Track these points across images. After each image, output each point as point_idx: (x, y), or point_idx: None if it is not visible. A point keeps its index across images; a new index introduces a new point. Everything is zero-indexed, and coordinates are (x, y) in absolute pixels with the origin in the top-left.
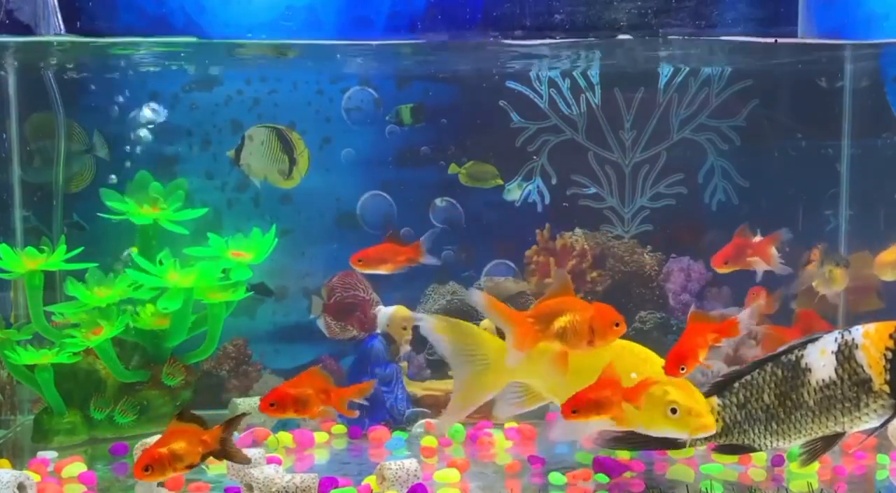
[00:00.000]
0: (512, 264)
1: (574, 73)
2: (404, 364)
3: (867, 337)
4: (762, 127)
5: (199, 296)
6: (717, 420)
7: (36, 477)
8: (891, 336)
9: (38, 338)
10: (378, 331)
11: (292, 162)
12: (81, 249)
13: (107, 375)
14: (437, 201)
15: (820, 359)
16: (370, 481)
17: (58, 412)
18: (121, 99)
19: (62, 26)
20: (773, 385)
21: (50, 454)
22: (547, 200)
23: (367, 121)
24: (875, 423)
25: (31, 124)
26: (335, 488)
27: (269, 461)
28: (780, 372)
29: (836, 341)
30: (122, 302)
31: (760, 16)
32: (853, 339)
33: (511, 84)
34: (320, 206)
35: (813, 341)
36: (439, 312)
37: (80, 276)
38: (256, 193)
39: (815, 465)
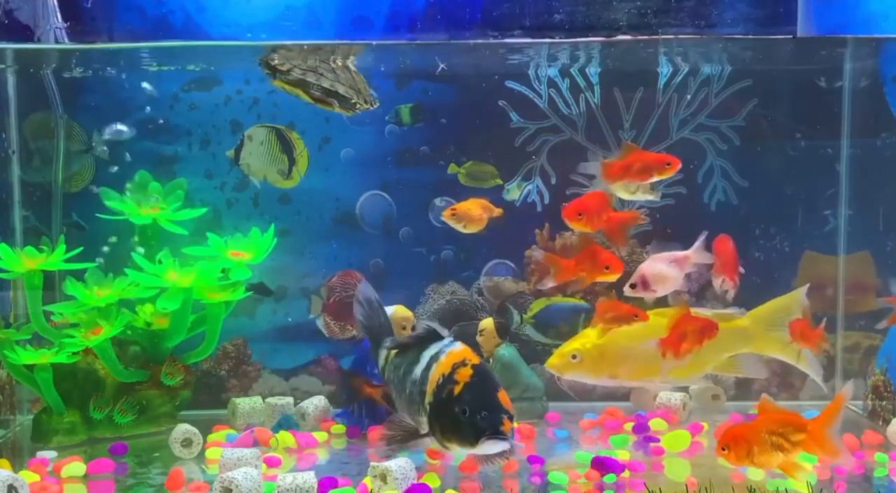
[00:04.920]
0: (511, 264)
1: (573, 73)
2: None
3: (445, 356)
4: (761, 127)
5: (198, 296)
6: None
7: (35, 477)
8: (452, 365)
9: (37, 338)
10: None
11: (292, 162)
12: (81, 249)
13: (106, 374)
14: (437, 201)
15: (425, 356)
16: (370, 481)
17: (57, 411)
18: (120, 99)
19: (62, 26)
20: (407, 362)
21: (49, 454)
22: (546, 200)
23: (367, 121)
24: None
25: (30, 124)
26: (335, 488)
27: (269, 461)
28: (413, 354)
29: (438, 347)
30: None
31: (760, 16)
32: (441, 353)
33: (510, 84)
34: (319, 206)
35: (439, 340)
36: (439, 311)
37: (79, 276)
38: (256, 192)
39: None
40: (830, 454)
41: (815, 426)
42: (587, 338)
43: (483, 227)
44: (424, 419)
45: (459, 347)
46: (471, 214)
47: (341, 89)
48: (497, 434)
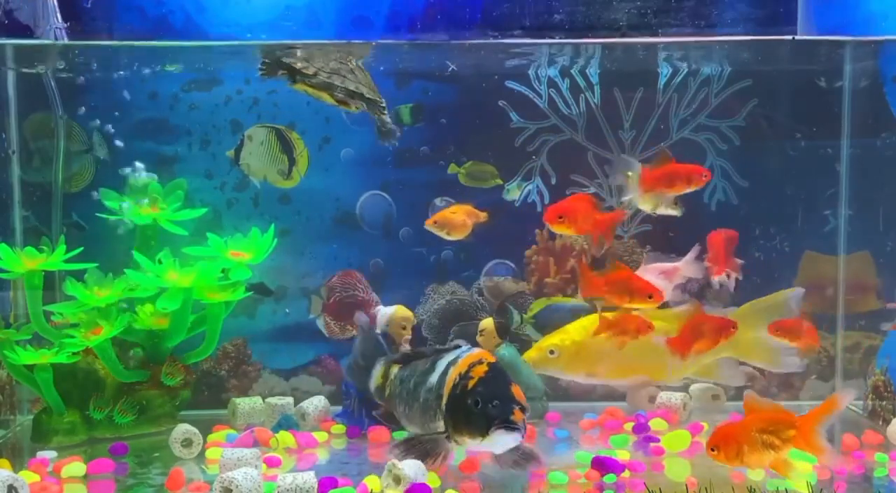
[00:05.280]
0: (511, 264)
1: (573, 73)
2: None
3: (462, 359)
4: (761, 127)
5: (198, 296)
6: (387, 387)
7: (35, 477)
8: (469, 365)
9: (37, 338)
10: (377, 331)
11: (291, 162)
12: (81, 249)
13: (106, 375)
14: (437, 201)
15: (441, 364)
16: (370, 481)
17: (57, 411)
18: (120, 99)
19: (62, 26)
20: (418, 374)
21: (49, 454)
22: (547, 200)
23: (367, 121)
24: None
25: (30, 124)
26: (335, 488)
27: (269, 461)
28: (427, 364)
29: (455, 353)
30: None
31: (760, 16)
32: (458, 357)
33: (510, 84)
34: (319, 206)
35: (457, 348)
36: (439, 311)
37: (79, 276)
38: (256, 192)
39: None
40: (816, 453)
41: (804, 423)
42: (567, 334)
43: (468, 233)
44: (440, 424)
45: (477, 350)
46: (453, 222)
47: (365, 91)
48: (507, 423)
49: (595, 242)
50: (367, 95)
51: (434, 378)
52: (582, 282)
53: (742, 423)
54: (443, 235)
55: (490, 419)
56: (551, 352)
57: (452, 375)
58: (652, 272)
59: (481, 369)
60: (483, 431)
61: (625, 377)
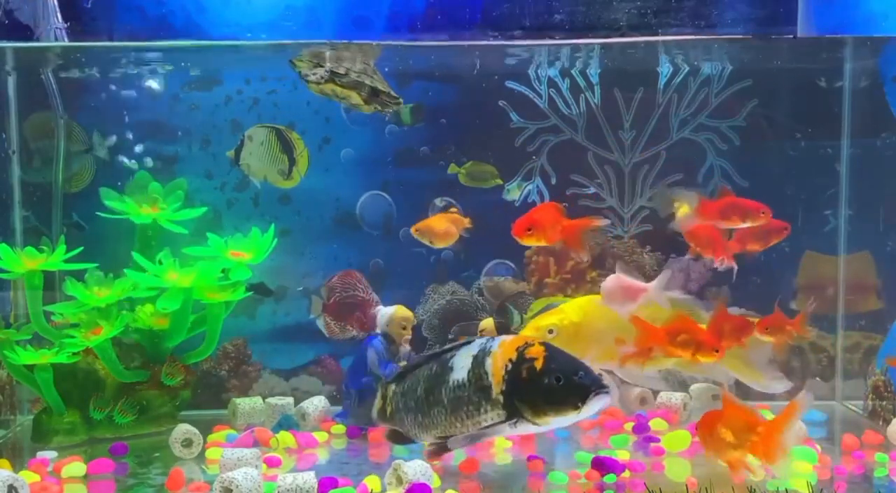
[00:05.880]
0: (511, 264)
1: (573, 73)
2: (403, 364)
3: (500, 347)
4: (762, 127)
5: (198, 296)
6: (388, 406)
7: (35, 477)
8: (517, 349)
9: (37, 338)
10: (378, 331)
11: (292, 162)
12: (81, 249)
13: (106, 375)
14: (437, 201)
15: (462, 361)
16: (370, 481)
17: (57, 411)
18: (120, 99)
19: (62, 27)
20: (426, 379)
21: (49, 454)
22: (547, 200)
23: (367, 121)
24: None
25: (30, 124)
26: (335, 488)
27: (269, 461)
28: (435, 368)
29: (479, 346)
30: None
31: (760, 16)
32: (490, 347)
33: (510, 84)
34: (320, 206)
35: (469, 342)
36: (439, 311)
37: (79, 276)
38: (256, 193)
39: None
40: (772, 460)
41: (766, 429)
42: (565, 314)
43: (454, 240)
44: (494, 413)
45: (510, 337)
46: (434, 230)
47: (392, 91)
48: (603, 389)
49: (571, 247)
50: (392, 93)
51: (460, 374)
52: (639, 334)
53: (717, 413)
54: (426, 242)
55: (585, 389)
56: (550, 331)
57: (498, 364)
58: (613, 287)
59: (539, 350)
60: (577, 403)
61: (616, 362)
